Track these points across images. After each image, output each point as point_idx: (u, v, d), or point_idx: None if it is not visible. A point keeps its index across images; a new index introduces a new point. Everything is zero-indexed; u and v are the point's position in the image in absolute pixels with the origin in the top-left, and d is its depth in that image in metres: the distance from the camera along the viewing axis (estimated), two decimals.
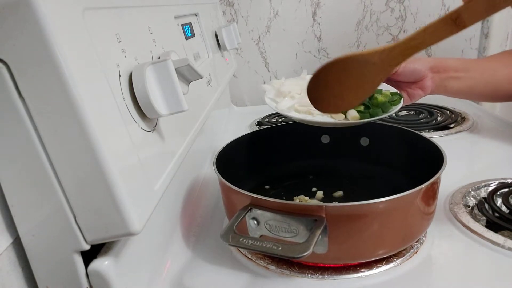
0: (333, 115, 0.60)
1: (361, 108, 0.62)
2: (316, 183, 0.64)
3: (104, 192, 0.30)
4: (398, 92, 0.65)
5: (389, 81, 0.72)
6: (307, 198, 0.60)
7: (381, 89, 0.67)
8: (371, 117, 0.59)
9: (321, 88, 0.42)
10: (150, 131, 0.38)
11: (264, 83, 1.25)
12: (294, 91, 0.64)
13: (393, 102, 0.64)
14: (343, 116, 0.60)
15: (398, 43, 0.39)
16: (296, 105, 0.61)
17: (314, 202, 0.59)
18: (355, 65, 0.40)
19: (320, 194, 0.61)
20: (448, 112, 0.95)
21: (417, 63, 0.73)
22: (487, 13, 0.35)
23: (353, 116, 0.60)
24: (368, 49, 0.40)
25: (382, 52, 0.39)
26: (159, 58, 0.43)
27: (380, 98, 0.63)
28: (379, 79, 0.41)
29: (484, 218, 0.53)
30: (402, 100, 0.64)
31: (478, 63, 0.81)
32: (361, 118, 0.59)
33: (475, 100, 0.89)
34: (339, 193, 0.61)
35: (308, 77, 0.66)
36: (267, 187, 0.64)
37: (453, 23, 0.36)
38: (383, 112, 0.62)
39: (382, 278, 0.44)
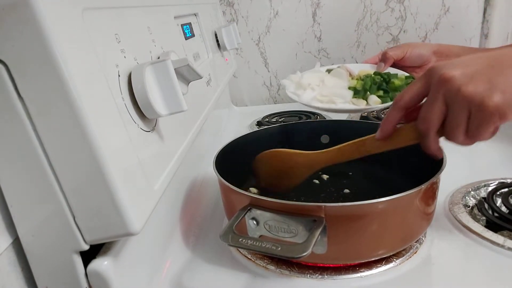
0: (355, 101, 0.66)
1: (381, 93, 0.66)
2: (315, 183, 0.64)
3: (103, 192, 0.30)
4: (411, 75, 0.70)
5: (396, 66, 0.77)
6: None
7: (397, 74, 0.71)
8: (391, 101, 0.63)
9: (263, 168, 0.57)
10: (149, 131, 0.38)
11: (264, 83, 1.25)
12: (313, 83, 0.67)
13: (407, 84, 0.68)
14: (365, 102, 0.65)
15: (319, 153, 0.51)
16: (318, 95, 0.64)
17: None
18: (286, 158, 0.54)
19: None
20: None
21: (422, 48, 0.77)
22: (382, 149, 0.44)
23: (374, 101, 0.64)
24: (296, 151, 0.54)
25: (307, 156, 0.52)
26: (158, 58, 0.43)
27: (396, 82, 0.68)
28: (306, 173, 0.54)
29: (484, 218, 0.53)
30: None
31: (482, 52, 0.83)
32: (382, 103, 0.64)
33: None
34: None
35: (322, 69, 0.72)
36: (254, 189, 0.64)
37: (358, 149, 0.46)
38: None
39: (381, 278, 0.44)
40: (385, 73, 0.72)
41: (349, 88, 0.69)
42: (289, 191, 0.56)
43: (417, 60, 0.76)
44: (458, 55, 0.79)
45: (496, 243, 0.47)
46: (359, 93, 0.68)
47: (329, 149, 0.50)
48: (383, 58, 0.76)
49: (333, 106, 0.63)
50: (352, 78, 0.73)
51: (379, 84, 0.68)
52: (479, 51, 0.83)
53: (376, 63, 0.78)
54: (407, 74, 0.72)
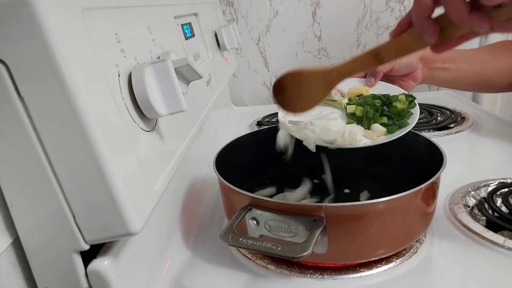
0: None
1: (385, 120, 0.60)
2: (315, 183, 0.64)
3: (104, 192, 0.30)
4: (411, 94, 0.64)
5: (383, 77, 0.73)
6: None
7: (397, 96, 0.64)
8: (399, 129, 0.58)
9: (282, 92, 0.49)
10: (149, 131, 0.38)
11: (264, 83, 1.25)
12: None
13: (409, 106, 0.63)
14: (372, 132, 0.59)
15: (334, 68, 0.45)
16: (319, 139, 0.60)
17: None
18: (303, 79, 0.47)
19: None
20: (448, 112, 0.95)
21: (409, 56, 0.73)
22: (399, 54, 0.41)
23: (380, 131, 0.59)
24: (313, 68, 0.46)
25: (322, 74, 0.46)
26: (158, 58, 0.43)
27: (399, 106, 0.62)
28: (323, 93, 0.47)
29: (484, 218, 0.53)
30: (416, 101, 0.63)
31: (466, 54, 0.81)
32: (389, 132, 0.59)
33: (464, 90, 0.89)
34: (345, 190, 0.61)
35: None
36: (267, 181, 0.64)
37: (375, 58, 0.42)
38: (407, 120, 0.60)
39: (381, 278, 0.44)
40: (383, 95, 0.65)
41: (347, 114, 0.63)
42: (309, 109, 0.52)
43: (405, 69, 0.74)
44: (442, 60, 0.78)
45: (496, 243, 0.47)
46: (361, 121, 0.62)
47: (343, 62, 0.46)
48: (373, 73, 0.71)
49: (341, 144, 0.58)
50: (344, 97, 0.67)
51: (381, 110, 0.62)
52: (462, 53, 0.82)
53: (363, 77, 0.73)
54: (406, 93, 0.66)
